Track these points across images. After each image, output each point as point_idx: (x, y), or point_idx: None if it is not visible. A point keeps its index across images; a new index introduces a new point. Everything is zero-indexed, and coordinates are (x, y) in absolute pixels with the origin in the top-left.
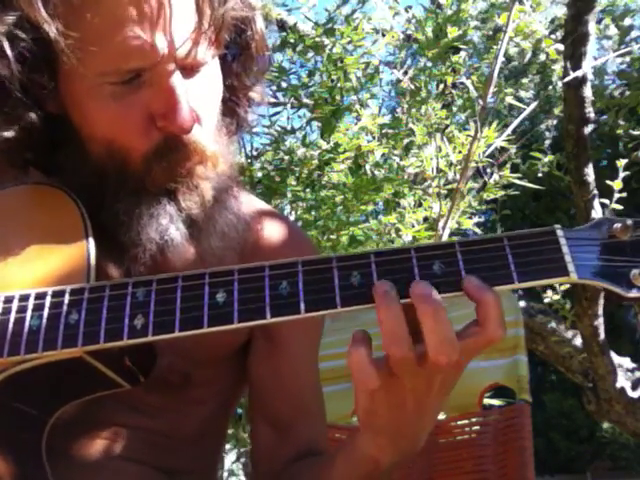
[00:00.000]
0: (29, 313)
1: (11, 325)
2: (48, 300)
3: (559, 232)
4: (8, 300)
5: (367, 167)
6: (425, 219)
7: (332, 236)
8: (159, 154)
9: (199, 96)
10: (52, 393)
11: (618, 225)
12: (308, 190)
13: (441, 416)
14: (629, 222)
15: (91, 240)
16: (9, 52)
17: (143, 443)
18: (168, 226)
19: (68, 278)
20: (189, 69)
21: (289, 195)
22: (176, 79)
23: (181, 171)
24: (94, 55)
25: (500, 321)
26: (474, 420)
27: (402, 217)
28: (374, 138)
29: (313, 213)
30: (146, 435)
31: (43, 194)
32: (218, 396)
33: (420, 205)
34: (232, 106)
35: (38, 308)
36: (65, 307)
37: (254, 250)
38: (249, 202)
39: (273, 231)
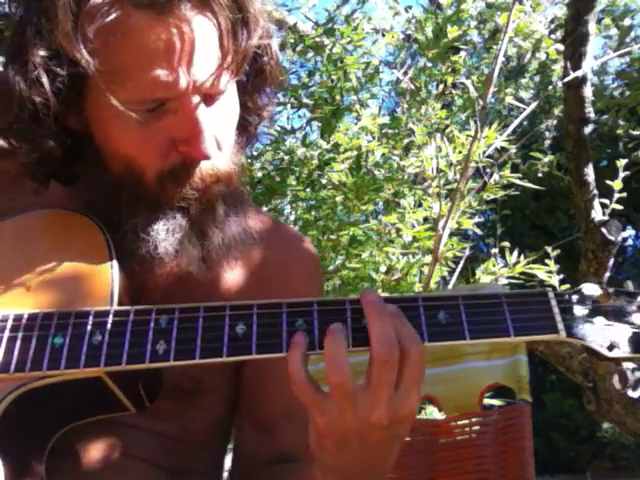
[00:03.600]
0: (52, 331)
1: (34, 342)
2: (72, 320)
3: (550, 294)
4: (32, 318)
5: (367, 167)
6: (425, 219)
7: (332, 236)
8: (173, 173)
9: (219, 122)
10: (62, 410)
11: (600, 292)
12: (308, 190)
13: (441, 416)
14: (610, 290)
15: (115, 264)
16: (47, 86)
17: (152, 444)
18: (183, 240)
19: (92, 300)
20: (211, 98)
21: (289, 195)
22: (200, 109)
23: (195, 191)
24: (122, 86)
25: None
26: (474, 420)
27: (402, 217)
28: (374, 138)
29: (313, 213)
30: (155, 437)
31: (67, 218)
32: (225, 401)
33: (420, 205)
34: (244, 124)
35: (62, 327)
36: (89, 328)
37: (263, 263)
38: (256, 214)
39: (280, 243)
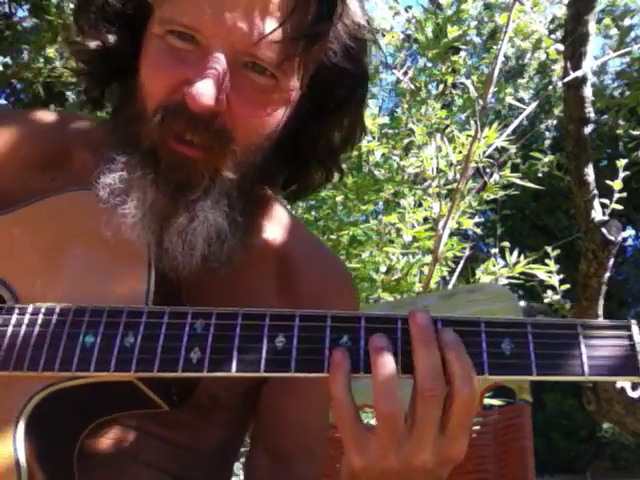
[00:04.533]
0: (84, 329)
1: (64, 339)
2: (104, 318)
3: (635, 328)
4: (63, 313)
5: (367, 167)
6: (425, 219)
7: (332, 236)
8: (170, 112)
9: (248, 101)
10: (90, 408)
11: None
12: None
13: None
14: None
15: (153, 242)
16: None
17: (163, 452)
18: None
19: (126, 297)
20: (251, 66)
21: None
22: (223, 62)
23: (185, 146)
24: (167, 0)
25: (468, 378)
26: (474, 420)
27: (402, 217)
28: (374, 138)
29: (313, 213)
30: (167, 446)
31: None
32: (239, 418)
33: (420, 205)
34: (289, 158)
35: (93, 325)
36: (121, 328)
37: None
38: (280, 217)
39: (305, 253)
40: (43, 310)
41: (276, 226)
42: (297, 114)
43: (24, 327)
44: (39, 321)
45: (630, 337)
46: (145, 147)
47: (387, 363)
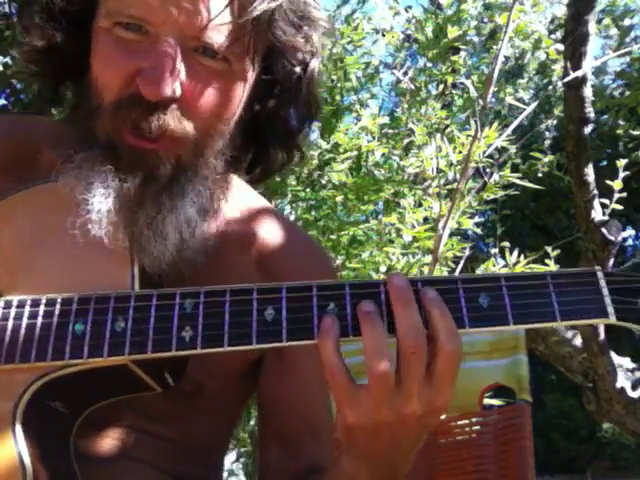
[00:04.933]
0: (72, 318)
1: (54, 329)
2: (92, 305)
3: (600, 274)
4: (50, 303)
5: (367, 167)
6: (425, 219)
7: (332, 236)
8: (126, 106)
9: (202, 84)
10: (87, 394)
11: None
12: (308, 190)
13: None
14: None
15: (124, 236)
16: None
17: (154, 448)
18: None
19: (111, 283)
20: (202, 51)
21: (289, 195)
22: (173, 49)
23: (143, 140)
24: None
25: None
26: (474, 420)
27: (402, 217)
28: (374, 138)
29: (313, 213)
30: (157, 441)
31: None
32: (227, 408)
33: (420, 205)
34: (251, 140)
35: (82, 313)
36: (111, 314)
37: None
38: (247, 201)
39: (273, 231)
40: (29, 302)
41: (248, 213)
42: (254, 96)
43: (12, 320)
44: (26, 313)
45: (596, 283)
46: (102, 141)
47: (375, 325)
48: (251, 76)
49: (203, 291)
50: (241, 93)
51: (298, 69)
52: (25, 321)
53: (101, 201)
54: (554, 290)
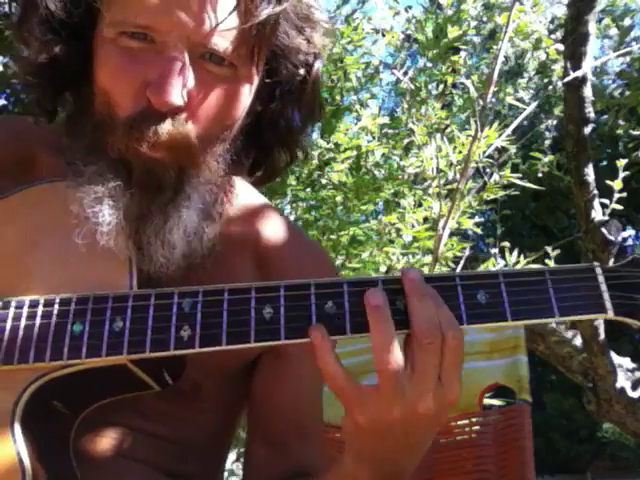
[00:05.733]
0: (71, 318)
1: (53, 329)
2: (90, 305)
3: (598, 269)
4: (48, 303)
5: (367, 167)
6: (425, 219)
7: (332, 236)
8: (138, 122)
9: (210, 91)
10: (86, 393)
11: None
12: (308, 190)
13: None
14: None
15: (132, 246)
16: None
17: (152, 447)
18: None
19: (109, 284)
20: (209, 57)
21: (289, 195)
22: (180, 57)
23: (155, 151)
24: (113, 3)
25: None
26: (474, 420)
27: (402, 217)
28: (374, 138)
29: (313, 213)
30: (155, 440)
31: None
32: (225, 407)
33: (420, 205)
34: (255, 141)
35: (80, 314)
36: (109, 314)
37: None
38: (250, 201)
39: (276, 231)
40: (27, 303)
41: (249, 214)
42: (257, 99)
43: (10, 321)
44: (25, 314)
45: (594, 278)
46: (113, 155)
47: (385, 319)
48: (256, 80)
49: (201, 290)
50: (247, 98)
51: (302, 71)
52: (23, 322)
53: (111, 213)
54: (552, 286)
